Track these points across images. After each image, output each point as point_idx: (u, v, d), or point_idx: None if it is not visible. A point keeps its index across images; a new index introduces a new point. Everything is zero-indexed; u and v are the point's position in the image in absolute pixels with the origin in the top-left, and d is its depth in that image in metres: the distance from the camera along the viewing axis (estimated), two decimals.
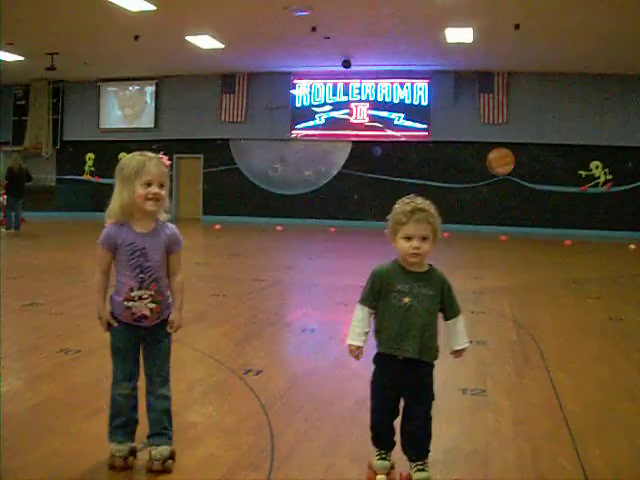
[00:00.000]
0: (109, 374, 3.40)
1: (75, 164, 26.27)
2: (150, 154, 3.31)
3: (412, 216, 3.14)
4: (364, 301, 3.26)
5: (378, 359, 3.28)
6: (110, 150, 25.04)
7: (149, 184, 3.21)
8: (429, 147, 22.97)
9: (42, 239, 16.88)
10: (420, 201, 3.21)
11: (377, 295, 3.23)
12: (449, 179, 22.47)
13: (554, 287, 10.34)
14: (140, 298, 3.26)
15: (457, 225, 20.87)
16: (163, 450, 3.28)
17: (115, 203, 3.27)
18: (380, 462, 3.27)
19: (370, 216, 22.61)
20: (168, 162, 3.34)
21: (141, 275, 3.26)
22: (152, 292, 3.27)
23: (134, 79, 25.23)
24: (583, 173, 21.78)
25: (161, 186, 3.25)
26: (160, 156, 3.33)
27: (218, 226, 21.01)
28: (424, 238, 3.14)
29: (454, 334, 3.28)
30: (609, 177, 21.65)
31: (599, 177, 21.74)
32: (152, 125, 25.32)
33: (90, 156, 26.03)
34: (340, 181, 23.88)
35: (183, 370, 5.01)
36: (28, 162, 21.19)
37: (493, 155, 22.28)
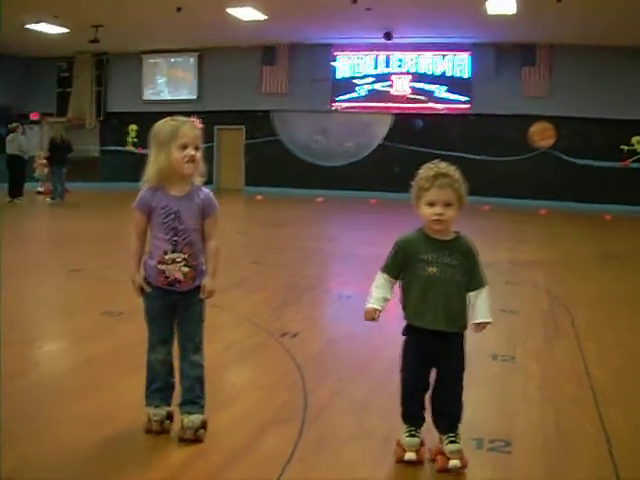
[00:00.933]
0: None
1: (118, 135, 26.42)
2: (182, 118, 3.32)
3: (435, 181, 3.02)
4: (385, 269, 3.17)
5: (406, 330, 3.19)
6: (153, 121, 24.85)
7: (185, 147, 3.20)
8: (470, 120, 22.78)
9: (86, 208, 17.21)
10: (444, 166, 3.08)
11: (400, 265, 3.14)
12: (490, 152, 22.23)
13: (591, 261, 10.33)
14: (174, 261, 3.24)
15: (498, 198, 20.77)
16: (195, 419, 3.28)
17: (152, 169, 3.30)
18: (409, 439, 3.13)
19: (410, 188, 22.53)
20: (200, 125, 3.33)
21: (175, 238, 3.24)
22: (186, 256, 3.25)
23: (176, 51, 25.33)
24: (625, 148, 21.44)
25: (196, 148, 3.24)
26: (192, 119, 3.33)
27: (260, 197, 21.11)
28: (448, 204, 3.02)
29: (475, 306, 3.11)
30: None
31: None
32: (194, 96, 25.43)
33: (133, 127, 26.18)
34: (381, 153, 23.81)
35: (221, 332, 5.18)
36: (72, 133, 21.48)
37: (534, 128, 21.95)
